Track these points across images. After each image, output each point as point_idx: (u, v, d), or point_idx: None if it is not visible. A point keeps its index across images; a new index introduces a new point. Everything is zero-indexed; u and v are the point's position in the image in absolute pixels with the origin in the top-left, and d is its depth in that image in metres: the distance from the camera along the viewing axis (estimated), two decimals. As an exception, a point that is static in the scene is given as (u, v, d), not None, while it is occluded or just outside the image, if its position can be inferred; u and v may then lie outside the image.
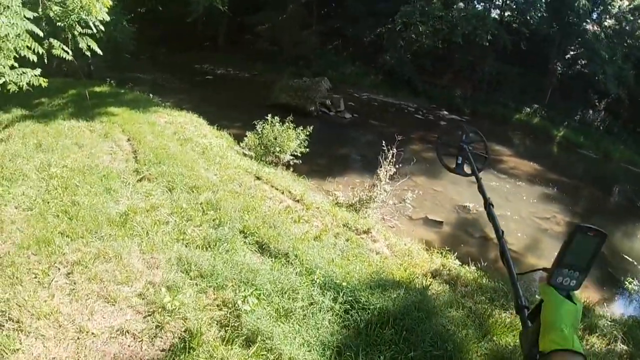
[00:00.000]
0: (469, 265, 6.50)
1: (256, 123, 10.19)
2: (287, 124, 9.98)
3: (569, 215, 12.44)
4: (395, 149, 8.70)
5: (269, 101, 17.19)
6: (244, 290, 4.37)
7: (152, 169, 6.81)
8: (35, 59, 6.14)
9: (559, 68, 25.70)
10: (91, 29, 7.66)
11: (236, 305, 4.25)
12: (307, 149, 10.13)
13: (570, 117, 24.39)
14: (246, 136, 10.38)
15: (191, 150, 8.19)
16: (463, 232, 10.47)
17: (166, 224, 5.40)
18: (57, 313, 4.06)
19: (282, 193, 7.12)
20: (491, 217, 1.67)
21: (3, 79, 5.52)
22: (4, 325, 3.92)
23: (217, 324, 4.12)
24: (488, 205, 1.71)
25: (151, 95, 14.20)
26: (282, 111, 14.02)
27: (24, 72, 5.78)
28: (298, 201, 6.99)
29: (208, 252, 5.02)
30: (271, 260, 5.12)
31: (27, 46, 5.92)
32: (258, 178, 7.51)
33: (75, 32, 7.73)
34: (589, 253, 1.13)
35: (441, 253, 6.91)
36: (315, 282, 4.72)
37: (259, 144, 10.08)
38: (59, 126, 8.80)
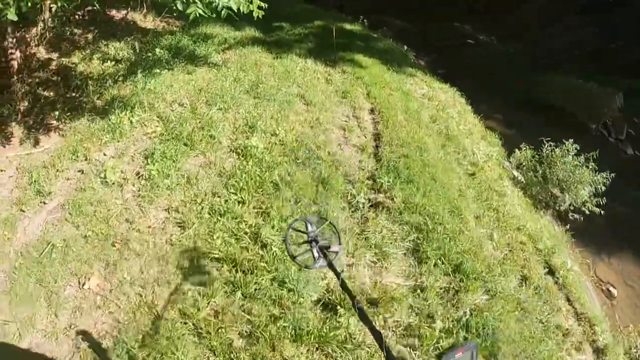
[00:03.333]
0: None
1: (544, 142, 6.73)
2: (584, 159, 6.39)
3: None
4: None
5: (534, 94, 12.83)
6: None
7: (398, 187, 3.90)
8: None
9: None
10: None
11: None
12: (602, 211, 6.34)
13: None
14: (519, 149, 7.06)
15: (457, 164, 5.08)
16: None
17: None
18: None
19: (582, 327, 3.70)
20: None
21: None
22: None
23: None
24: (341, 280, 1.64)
25: (405, 47, 11.35)
26: (546, 113, 10.30)
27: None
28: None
29: None
30: None
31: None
32: (550, 271, 4.16)
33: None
34: None
35: None
36: None
37: (534, 168, 6.66)
38: (290, 63, 6.46)
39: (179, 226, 2.94)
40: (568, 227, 6.36)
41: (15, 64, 4.95)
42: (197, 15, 3.00)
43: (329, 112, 5.17)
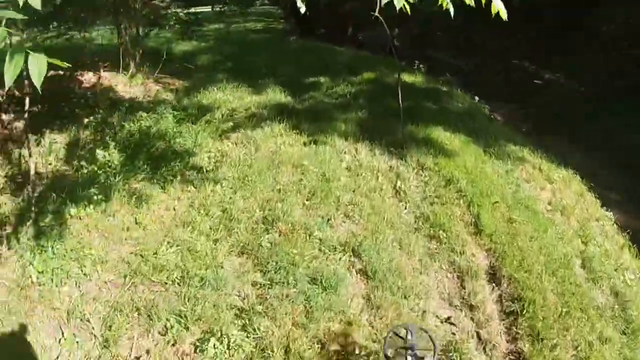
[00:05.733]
0: None
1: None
2: None
3: None
4: None
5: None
6: None
7: None
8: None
9: None
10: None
11: None
12: None
13: None
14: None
15: None
16: None
17: None
18: None
19: None
20: None
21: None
22: None
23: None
24: None
25: (476, 98, 8.49)
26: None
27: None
28: None
29: None
30: None
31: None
32: None
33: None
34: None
35: None
36: None
37: None
38: (332, 157, 3.78)
39: None
40: None
41: None
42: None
43: (414, 296, 2.40)
